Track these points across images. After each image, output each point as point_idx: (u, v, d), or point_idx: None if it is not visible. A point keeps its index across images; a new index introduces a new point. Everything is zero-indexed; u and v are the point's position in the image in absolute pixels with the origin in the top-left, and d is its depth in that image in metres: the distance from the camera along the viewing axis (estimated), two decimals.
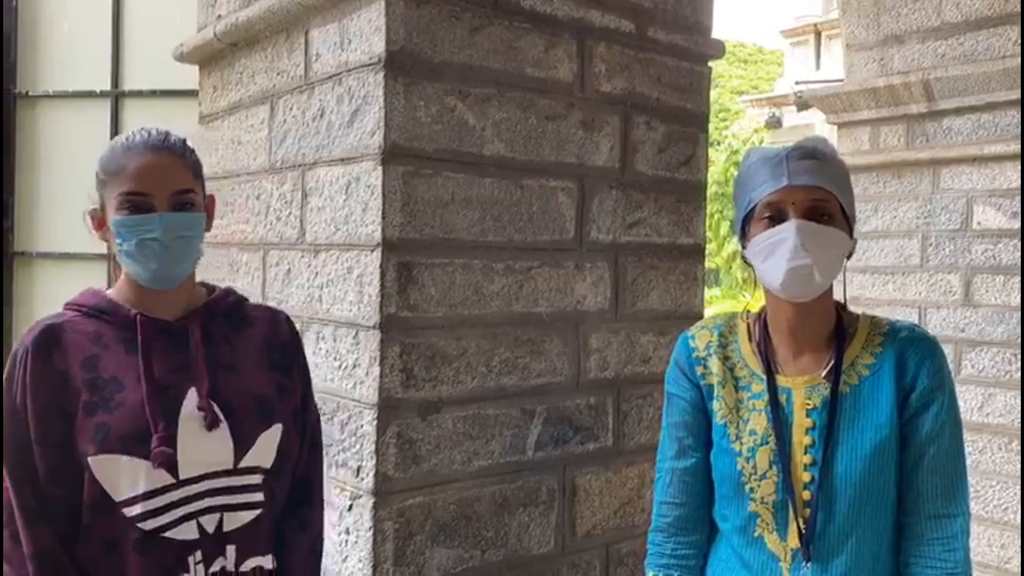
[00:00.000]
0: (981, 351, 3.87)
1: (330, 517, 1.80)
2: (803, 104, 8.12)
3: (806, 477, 1.33)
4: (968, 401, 3.87)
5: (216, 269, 2.27)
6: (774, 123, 14.95)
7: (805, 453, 1.34)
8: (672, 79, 2.14)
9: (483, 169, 1.80)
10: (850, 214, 1.36)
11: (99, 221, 1.42)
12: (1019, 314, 3.76)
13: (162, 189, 1.36)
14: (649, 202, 2.10)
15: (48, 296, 4.91)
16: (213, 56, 2.30)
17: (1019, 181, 3.79)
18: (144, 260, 1.35)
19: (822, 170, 1.32)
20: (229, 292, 1.51)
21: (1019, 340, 3.74)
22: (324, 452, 1.79)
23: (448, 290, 1.76)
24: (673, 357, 1.49)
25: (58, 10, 4.91)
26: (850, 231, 1.36)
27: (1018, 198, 3.78)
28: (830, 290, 1.39)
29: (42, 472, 1.30)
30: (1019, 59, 3.70)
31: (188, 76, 2.64)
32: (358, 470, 1.73)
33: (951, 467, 1.33)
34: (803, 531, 1.32)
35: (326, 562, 1.80)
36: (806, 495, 1.33)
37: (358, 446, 1.74)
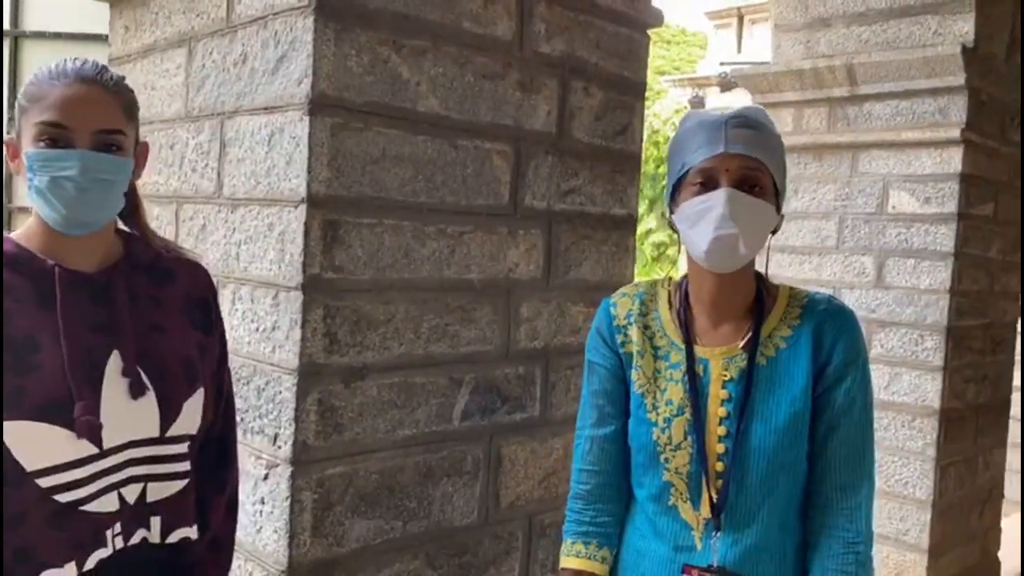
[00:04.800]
0: (890, 332, 4.00)
1: (244, 486, 1.71)
2: (727, 85, 8.24)
3: (720, 448, 1.33)
4: (876, 380, 3.99)
5: None
6: (697, 103, 15.17)
7: (720, 424, 1.33)
8: (611, 45, 2.09)
9: (416, 126, 1.72)
10: (780, 189, 1.35)
11: (14, 151, 1.28)
12: (926, 297, 3.89)
13: (85, 124, 1.23)
14: (585, 170, 2.06)
15: None
16: None
17: (932, 168, 3.91)
18: (56, 201, 1.21)
19: (759, 140, 1.30)
20: (148, 242, 1.40)
21: (926, 322, 3.88)
22: (239, 418, 1.72)
23: (376, 252, 1.68)
24: (594, 324, 1.47)
25: None
26: (778, 206, 1.35)
27: (931, 184, 3.90)
28: (752, 262, 1.38)
29: None
30: (938, 48, 3.80)
31: (97, 19, 2.46)
32: (275, 438, 1.65)
33: (859, 439, 1.35)
34: (715, 501, 1.32)
35: (239, 534, 1.72)
36: (719, 466, 1.33)
37: (276, 413, 1.65)
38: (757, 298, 1.39)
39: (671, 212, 1.37)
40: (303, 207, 1.59)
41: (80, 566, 1.22)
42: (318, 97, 1.58)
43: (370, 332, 1.68)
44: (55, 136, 1.22)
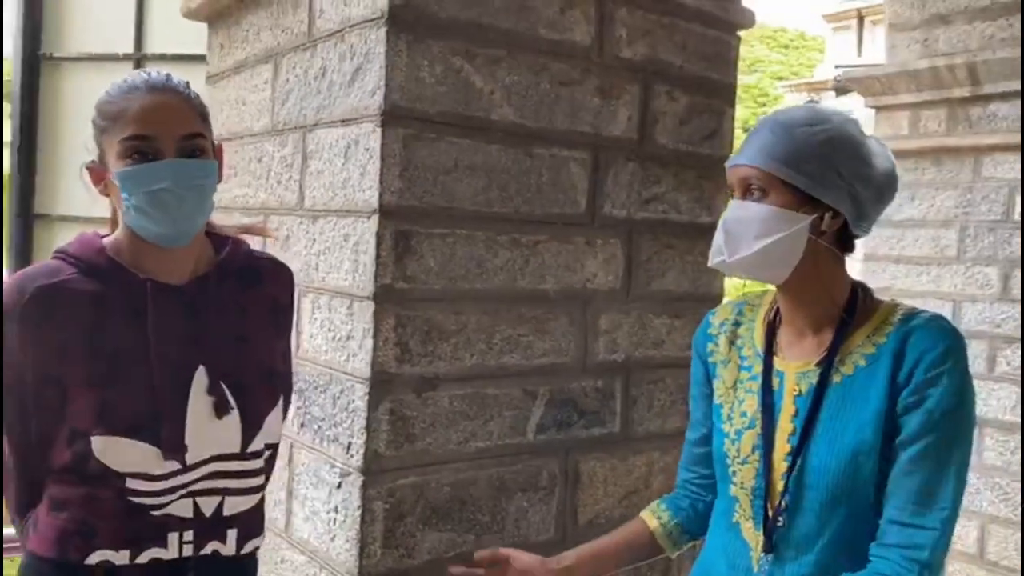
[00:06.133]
0: (1018, 348, 3.71)
1: (320, 494, 1.74)
2: (842, 89, 7.89)
3: (783, 467, 1.25)
4: (1002, 400, 3.71)
5: None
6: None
7: (786, 442, 1.25)
8: (698, 47, 2.02)
9: (490, 135, 1.70)
10: (803, 186, 1.21)
11: (98, 175, 1.29)
12: None
13: (169, 133, 1.23)
14: (668, 177, 1.99)
15: None
16: (221, 12, 2.22)
17: None
18: (155, 215, 1.22)
19: (761, 143, 1.24)
20: (238, 244, 1.41)
21: None
22: (316, 427, 1.74)
23: (448, 262, 1.67)
24: (696, 332, 1.50)
25: None
26: (808, 206, 1.22)
27: None
28: (819, 272, 1.26)
29: (34, 434, 1.24)
30: None
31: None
32: (348, 446, 1.66)
33: (933, 473, 1.16)
34: (769, 521, 1.24)
35: (315, 541, 1.74)
36: (780, 486, 1.25)
37: (349, 421, 1.66)
38: (850, 312, 1.28)
39: None
40: (375, 217, 1.59)
41: (133, 557, 1.25)
42: (390, 108, 1.58)
43: (441, 342, 1.67)
44: (142, 149, 1.22)
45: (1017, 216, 3.75)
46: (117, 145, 1.23)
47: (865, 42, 16.00)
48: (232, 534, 1.33)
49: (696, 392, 1.48)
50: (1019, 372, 3.70)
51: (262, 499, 1.38)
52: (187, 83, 1.33)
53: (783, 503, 1.24)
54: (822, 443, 1.22)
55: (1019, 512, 3.69)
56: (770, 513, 1.25)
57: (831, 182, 1.22)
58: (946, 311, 3.91)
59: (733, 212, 1.27)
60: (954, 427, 1.17)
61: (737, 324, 1.40)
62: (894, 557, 1.15)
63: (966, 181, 3.93)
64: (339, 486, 1.68)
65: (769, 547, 1.24)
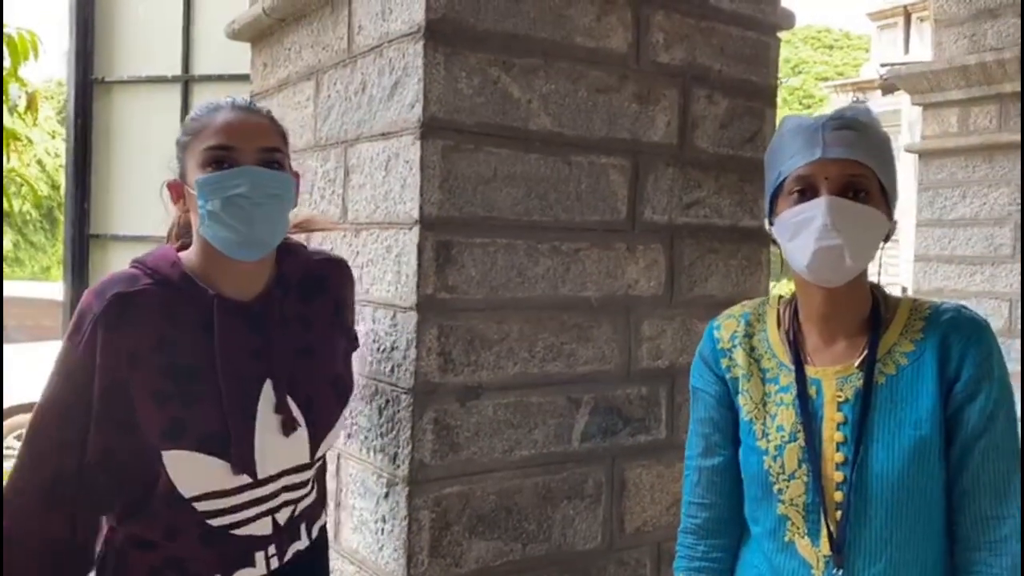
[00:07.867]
0: None
1: (367, 504, 1.75)
2: (888, 88, 7.74)
3: (838, 477, 1.21)
4: None
5: None
6: None
7: (837, 450, 1.22)
8: (737, 50, 2.00)
9: (528, 144, 1.71)
10: (890, 191, 1.22)
11: (178, 190, 1.33)
12: None
13: (248, 144, 1.27)
14: (709, 181, 1.98)
15: None
16: (263, 32, 2.26)
17: None
18: (230, 221, 1.24)
19: (861, 142, 1.19)
20: (296, 253, 1.44)
21: None
22: (363, 436, 1.76)
23: (489, 271, 1.68)
24: (698, 349, 1.40)
25: None
26: (889, 211, 1.23)
27: None
28: (865, 273, 1.26)
29: (93, 453, 1.22)
30: None
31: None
32: (394, 456, 1.67)
33: (1002, 464, 1.19)
34: (834, 536, 1.20)
35: (363, 551, 1.76)
36: (838, 496, 1.21)
37: (395, 432, 1.67)
38: (873, 312, 1.27)
39: (770, 224, 1.28)
40: (416, 229, 1.61)
41: None
42: (429, 120, 1.60)
43: (484, 351, 1.68)
44: (221, 158, 1.26)
45: None
46: (198, 155, 1.28)
47: (912, 39, 15.69)
48: (303, 527, 1.39)
49: (712, 414, 1.36)
50: None
51: (323, 486, 1.44)
52: (269, 111, 1.40)
53: (844, 514, 1.20)
54: (879, 447, 1.19)
55: None
56: (831, 527, 1.21)
57: (895, 184, 1.24)
58: (1002, 311, 3.81)
59: (848, 212, 1.17)
60: (1008, 414, 1.20)
61: (748, 336, 1.34)
62: (983, 558, 1.18)
63: (1019, 178, 3.82)
64: (386, 496, 1.69)
65: (841, 561, 1.20)
